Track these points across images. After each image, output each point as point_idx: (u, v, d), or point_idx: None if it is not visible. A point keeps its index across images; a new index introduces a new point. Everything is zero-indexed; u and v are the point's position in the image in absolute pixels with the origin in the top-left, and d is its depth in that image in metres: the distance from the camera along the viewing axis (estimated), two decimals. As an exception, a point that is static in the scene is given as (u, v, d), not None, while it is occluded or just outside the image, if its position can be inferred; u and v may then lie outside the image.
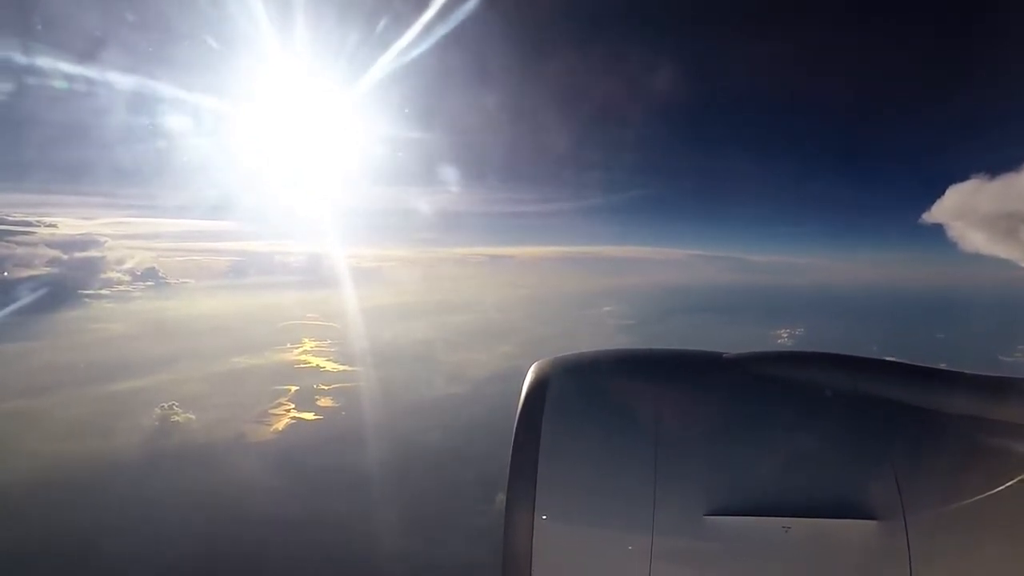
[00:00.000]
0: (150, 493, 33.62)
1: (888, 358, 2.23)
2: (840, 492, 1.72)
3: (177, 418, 46.02)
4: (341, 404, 53.45)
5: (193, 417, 46.49)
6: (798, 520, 1.67)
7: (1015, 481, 1.73)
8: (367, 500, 33.52)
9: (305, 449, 41.77)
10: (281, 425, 47.53)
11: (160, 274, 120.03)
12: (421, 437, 42.23)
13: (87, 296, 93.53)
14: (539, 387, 1.89)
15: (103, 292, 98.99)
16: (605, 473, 1.78)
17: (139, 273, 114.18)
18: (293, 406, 51.86)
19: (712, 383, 2.02)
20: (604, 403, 1.91)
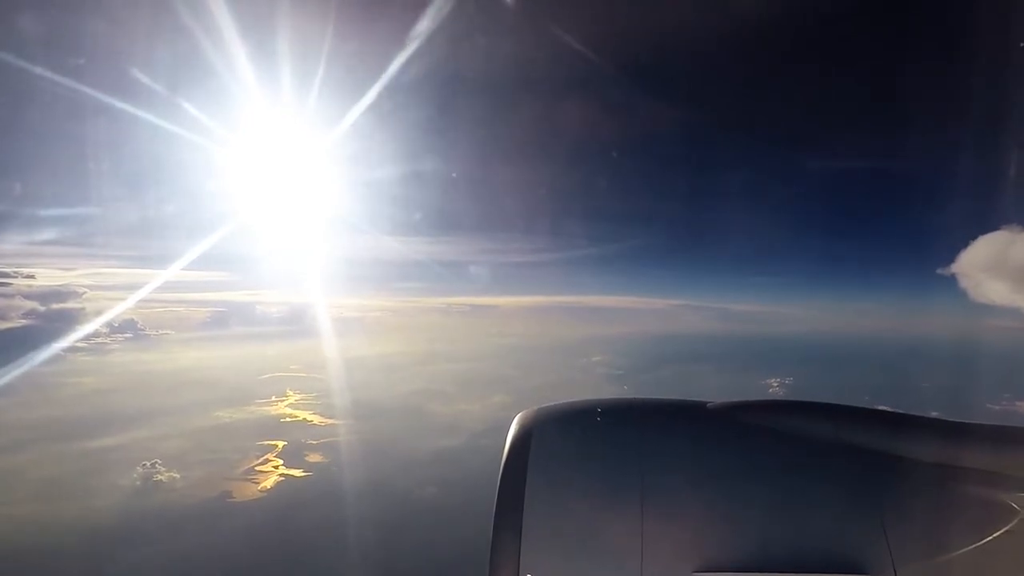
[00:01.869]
0: (133, 559, 31.72)
1: (877, 407, 2.18)
2: (829, 545, 1.69)
3: (160, 477, 44.07)
4: (331, 460, 51.75)
5: (177, 476, 44.58)
6: None
7: (1004, 531, 1.70)
8: (364, 562, 32.05)
9: (296, 508, 40.01)
10: (269, 483, 45.69)
11: (139, 326, 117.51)
12: (418, 493, 40.87)
13: (64, 349, 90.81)
14: (523, 439, 1.85)
15: (80, 345, 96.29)
16: (591, 527, 1.73)
17: (117, 325, 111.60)
18: (281, 462, 50.09)
19: (698, 433, 1.98)
20: (589, 454, 1.87)
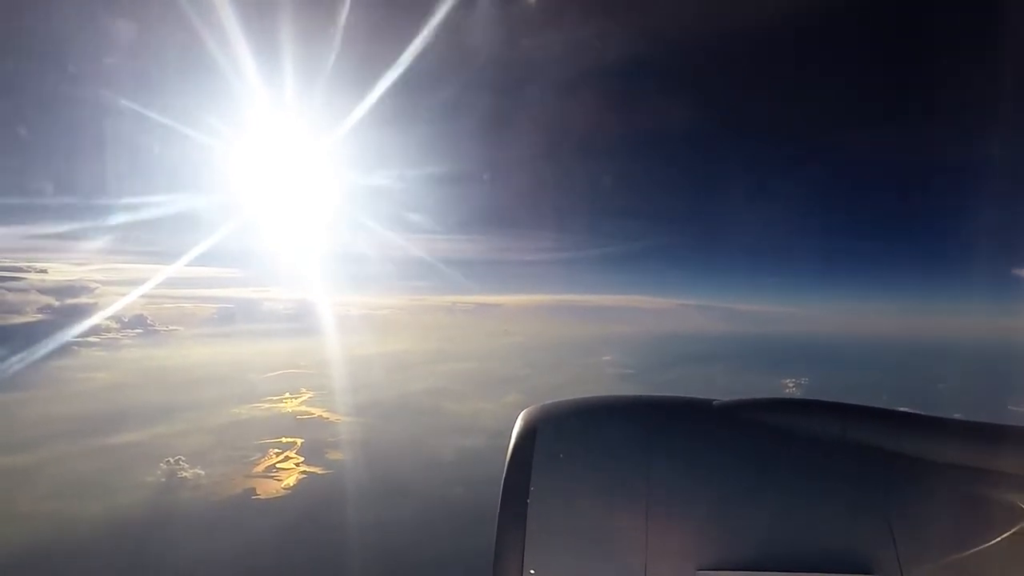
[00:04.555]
0: (168, 557, 31.53)
1: (893, 408, 2.11)
2: (835, 545, 1.68)
3: (185, 474, 43.94)
4: (351, 457, 51.65)
5: (202, 472, 44.45)
6: (793, 575, 1.62)
7: (1012, 533, 1.69)
8: (393, 560, 31.88)
9: (321, 506, 39.91)
10: (292, 480, 45.60)
11: (149, 321, 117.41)
12: (444, 492, 40.69)
13: (77, 344, 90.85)
14: (528, 435, 1.84)
15: (93, 340, 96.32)
16: (596, 523, 1.72)
17: (128, 320, 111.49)
18: (302, 459, 49.99)
19: (703, 431, 1.96)
20: (594, 451, 1.86)
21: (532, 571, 1.63)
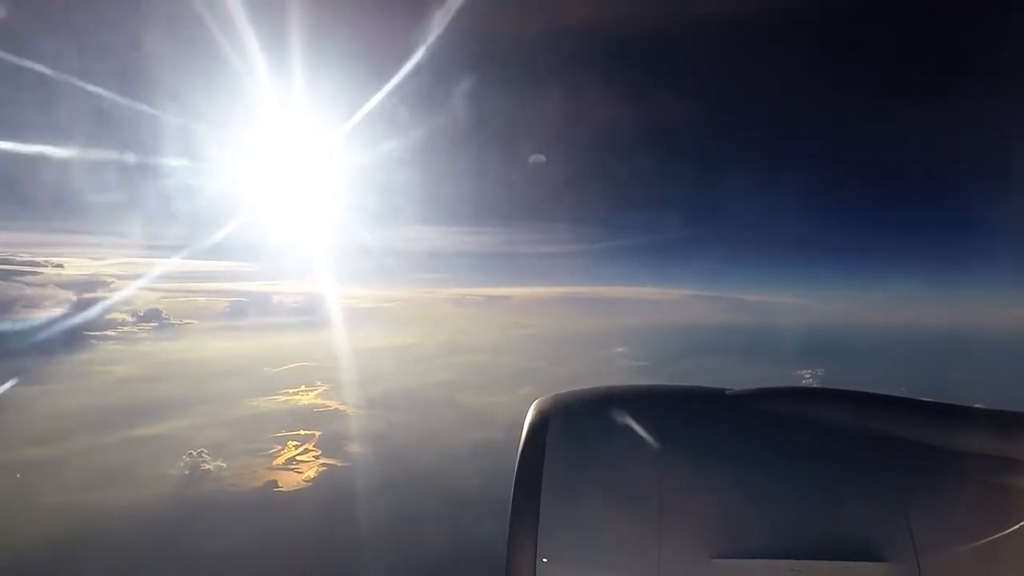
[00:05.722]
0: (193, 549, 31.84)
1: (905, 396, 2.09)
2: (851, 533, 1.68)
3: (208, 466, 44.36)
4: (369, 450, 51.88)
5: (224, 465, 44.85)
6: (808, 563, 1.62)
7: None
8: (419, 553, 32.06)
9: (343, 498, 40.15)
10: (312, 472, 45.90)
11: (163, 315, 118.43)
12: (462, 484, 40.78)
13: (93, 337, 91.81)
14: (540, 425, 1.85)
15: (110, 334, 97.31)
16: (608, 514, 1.73)
17: (143, 314, 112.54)
18: (321, 452, 50.29)
19: (716, 420, 1.94)
20: (606, 441, 1.86)
21: (545, 560, 1.64)
